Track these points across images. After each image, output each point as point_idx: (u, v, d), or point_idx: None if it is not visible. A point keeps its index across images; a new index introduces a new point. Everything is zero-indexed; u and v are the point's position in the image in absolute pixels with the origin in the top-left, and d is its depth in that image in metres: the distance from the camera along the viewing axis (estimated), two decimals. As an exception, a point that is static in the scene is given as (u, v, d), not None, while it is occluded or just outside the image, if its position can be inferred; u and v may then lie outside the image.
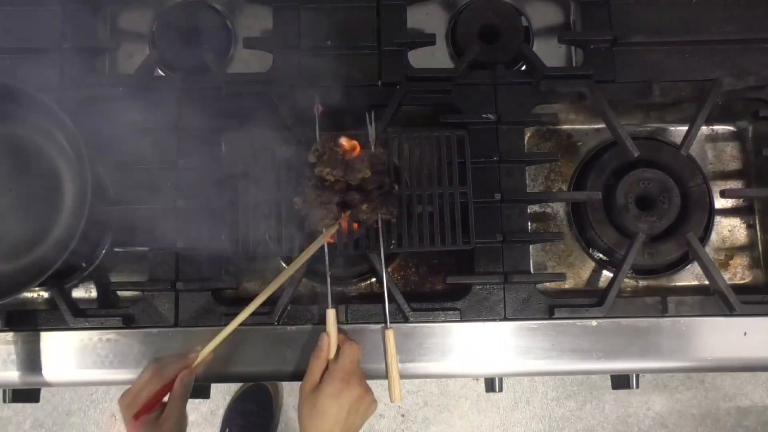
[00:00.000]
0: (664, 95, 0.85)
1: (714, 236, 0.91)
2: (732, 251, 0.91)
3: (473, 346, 0.81)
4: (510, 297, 0.81)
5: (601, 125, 0.90)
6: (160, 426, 0.67)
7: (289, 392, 1.75)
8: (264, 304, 0.80)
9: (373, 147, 0.77)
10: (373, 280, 0.88)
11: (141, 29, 0.93)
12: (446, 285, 0.84)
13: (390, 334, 0.75)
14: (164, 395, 0.70)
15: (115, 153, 0.85)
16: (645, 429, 1.75)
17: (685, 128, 0.85)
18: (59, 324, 0.80)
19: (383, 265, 0.78)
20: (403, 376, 0.80)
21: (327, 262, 0.75)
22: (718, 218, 0.91)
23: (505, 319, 0.81)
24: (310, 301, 0.82)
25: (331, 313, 0.75)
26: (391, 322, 0.80)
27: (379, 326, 0.80)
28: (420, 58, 0.89)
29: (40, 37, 0.87)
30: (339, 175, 0.72)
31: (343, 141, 0.74)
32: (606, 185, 0.87)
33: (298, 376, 0.80)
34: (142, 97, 0.84)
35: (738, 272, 0.91)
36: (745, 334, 0.81)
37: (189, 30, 0.89)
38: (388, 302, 0.80)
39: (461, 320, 0.81)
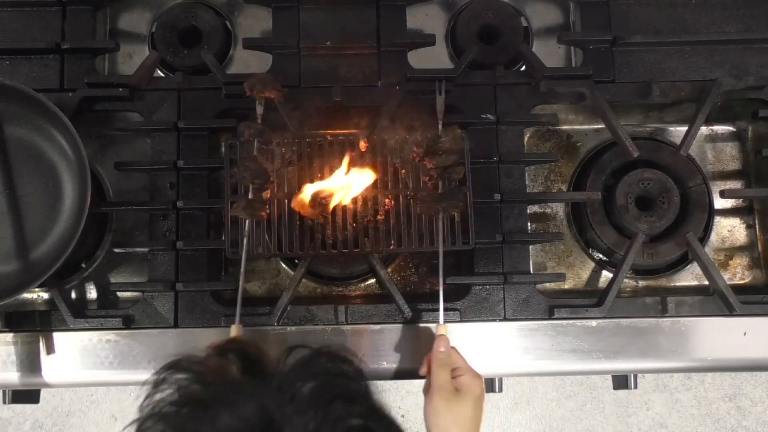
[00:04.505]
0: (664, 95, 0.85)
1: (714, 236, 0.91)
2: (732, 251, 0.91)
3: (473, 346, 0.81)
4: (510, 297, 0.81)
5: (601, 125, 0.90)
6: None
7: None
8: (264, 304, 0.81)
9: (440, 123, 0.76)
10: (373, 280, 0.88)
11: (141, 29, 0.93)
12: (446, 285, 0.84)
13: (442, 330, 0.72)
14: None
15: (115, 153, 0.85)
16: (645, 429, 1.74)
17: (684, 128, 0.85)
18: (59, 325, 0.80)
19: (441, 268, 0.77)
20: (402, 377, 0.80)
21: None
22: (717, 218, 0.91)
23: (505, 319, 0.81)
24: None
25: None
26: (390, 323, 0.80)
27: (378, 326, 0.80)
28: (420, 59, 0.89)
29: (40, 38, 0.87)
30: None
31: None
32: (606, 185, 0.87)
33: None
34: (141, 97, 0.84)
35: (738, 272, 0.91)
36: (744, 334, 0.81)
37: (188, 30, 0.89)
38: (388, 303, 0.80)
39: (461, 320, 0.81)
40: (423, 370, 0.72)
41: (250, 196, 0.75)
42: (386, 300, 0.81)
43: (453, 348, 0.72)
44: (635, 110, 0.91)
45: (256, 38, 0.91)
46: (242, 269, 0.73)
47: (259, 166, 0.73)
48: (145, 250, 0.82)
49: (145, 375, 0.80)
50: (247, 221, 0.73)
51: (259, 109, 0.75)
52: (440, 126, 0.76)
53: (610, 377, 0.86)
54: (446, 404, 0.66)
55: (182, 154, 0.83)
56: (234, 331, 0.71)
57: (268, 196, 0.77)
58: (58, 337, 0.80)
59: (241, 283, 0.73)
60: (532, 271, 0.85)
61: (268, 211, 0.74)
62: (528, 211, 0.86)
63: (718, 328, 0.81)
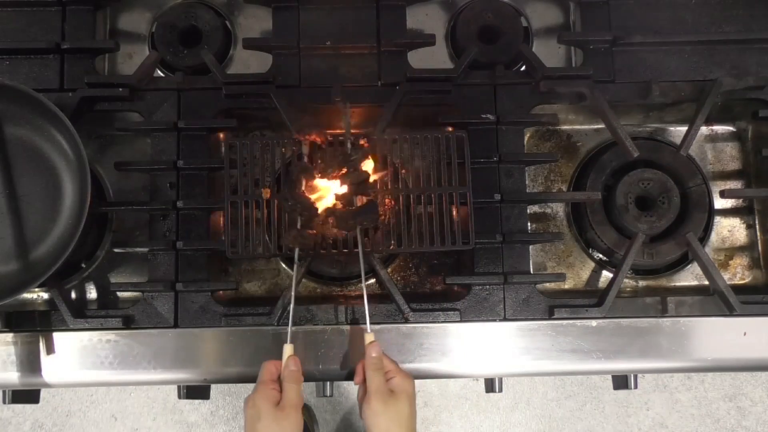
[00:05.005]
0: (664, 95, 0.85)
1: (714, 236, 0.91)
2: (732, 251, 0.91)
3: (473, 346, 0.81)
4: (510, 297, 0.81)
5: (601, 125, 0.90)
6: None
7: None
8: (264, 304, 0.81)
9: (349, 141, 0.77)
10: (373, 280, 0.88)
11: (141, 29, 0.93)
12: (446, 285, 0.84)
13: (371, 337, 0.74)
14: None
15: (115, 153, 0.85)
16: (645, 429, 1.74)
17: (684, 128, 0.85)
18: (59, 325, 0.80)
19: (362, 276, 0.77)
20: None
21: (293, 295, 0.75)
22: (717, 218, 0.91)
23: (505, 319, 0.81)
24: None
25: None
26: (390, 323, 0.80)
27: (378, 326, 0.80)
28: (420, 59, 0.89)
29: (40, 38, 0.87)
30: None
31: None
32: (606, 185, 0.88)
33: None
34: (141, 97, 0.84)
35: (738, 272, 0.91)
36: (744, 334, 0.81)
37: (188, 30, 0.89)
38: (388, 303, 0.80)
39: (461, 321, 0.81)
40: (357, 379, 0.74)
41: (299, 226, 0.76)
42: (386, 300, 0.81)
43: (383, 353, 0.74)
44: (635, 110, 0.91)
45: (256, 38, 0.91)
46: (293, 291, 0.74)
47: (307, 200, 0.75)
48: (145, 250, 0.82)
49: (145, 375, 0.82)
50: (297, 250, 0.75)
51: (305, 149, 0.78)
52: (349, 144, 0.77)
53: (610, 377, 0.86)
54: (384, 406, 0.68)
55: (182, 154, 0.83)
56: (287, 350, 0.72)
57: (268, 195, 0.77)
58: (58, 337, 0.80)
59: (292, 303, 0.74)
60: (532, 271, 0.85)
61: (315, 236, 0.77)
62: (528, 211, 0.86)
63: (718, 328, 0.81)
